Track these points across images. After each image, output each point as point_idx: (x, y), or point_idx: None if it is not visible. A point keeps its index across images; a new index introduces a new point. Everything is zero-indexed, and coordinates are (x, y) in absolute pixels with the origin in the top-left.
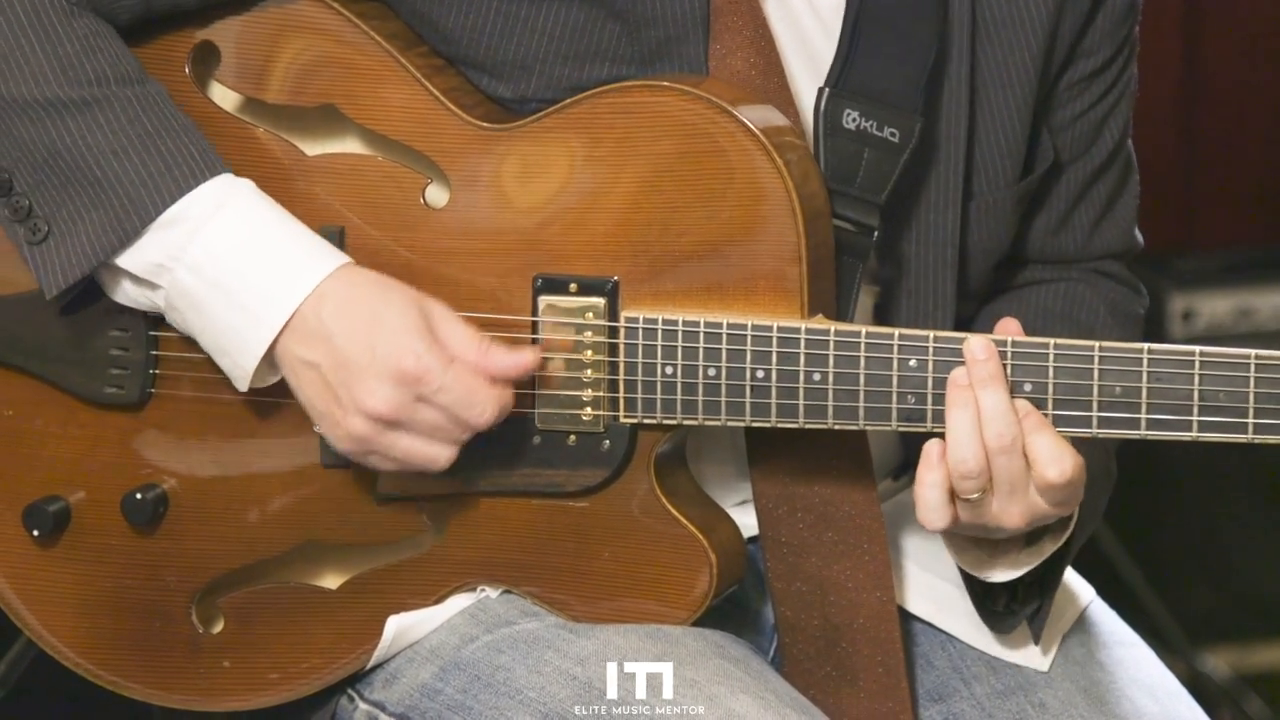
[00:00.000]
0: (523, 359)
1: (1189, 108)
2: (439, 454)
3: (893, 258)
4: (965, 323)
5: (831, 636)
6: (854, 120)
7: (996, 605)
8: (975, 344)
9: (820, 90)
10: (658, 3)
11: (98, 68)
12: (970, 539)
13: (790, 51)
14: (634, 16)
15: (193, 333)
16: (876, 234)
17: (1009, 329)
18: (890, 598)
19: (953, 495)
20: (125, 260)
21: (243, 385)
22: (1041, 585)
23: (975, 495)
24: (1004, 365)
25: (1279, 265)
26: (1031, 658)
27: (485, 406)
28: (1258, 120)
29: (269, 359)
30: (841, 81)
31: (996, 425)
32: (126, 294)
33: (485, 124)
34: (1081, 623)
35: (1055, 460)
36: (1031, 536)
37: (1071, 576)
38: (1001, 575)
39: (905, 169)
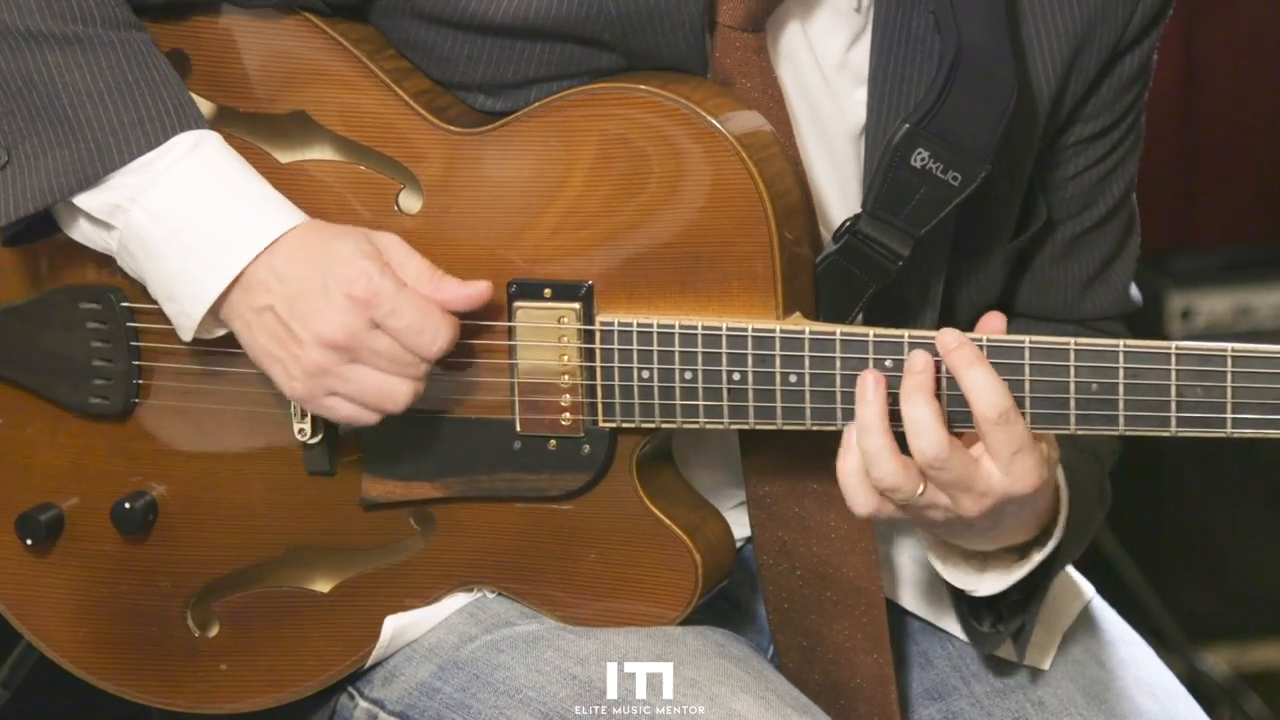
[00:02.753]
0: (473, 289)
1: (1188, 107)
2: (397, 388)
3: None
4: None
5: (831, 693)
6: (922, 160)
7: (982, 625)
8: (914, 356)
9: (900, 124)
10: (651, 43)
11: (85, 6)
12: (961, 553)
13: (798, 105)
14: (628, 53)
15: (143, 277)
16: (901, 263)
17: (990, 325)
18: (887, 660)
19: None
20: (83, 200)
21: (187, 335)
22: (1025, 604)
23: (907, 500)
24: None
25: (1278, 264)
26: (1031, 656)
27: (437, 333)
28: (1256, 119)
29: (215, 311)
30: (925, 122)
31: (920, 445)
32: (82, 232)
33: (456, 128)
34: (1081, 621)
35: (988, 395)
36: (1022, 550)
37: (1071, 575)
38: (990, 588)
39: (953, 211)
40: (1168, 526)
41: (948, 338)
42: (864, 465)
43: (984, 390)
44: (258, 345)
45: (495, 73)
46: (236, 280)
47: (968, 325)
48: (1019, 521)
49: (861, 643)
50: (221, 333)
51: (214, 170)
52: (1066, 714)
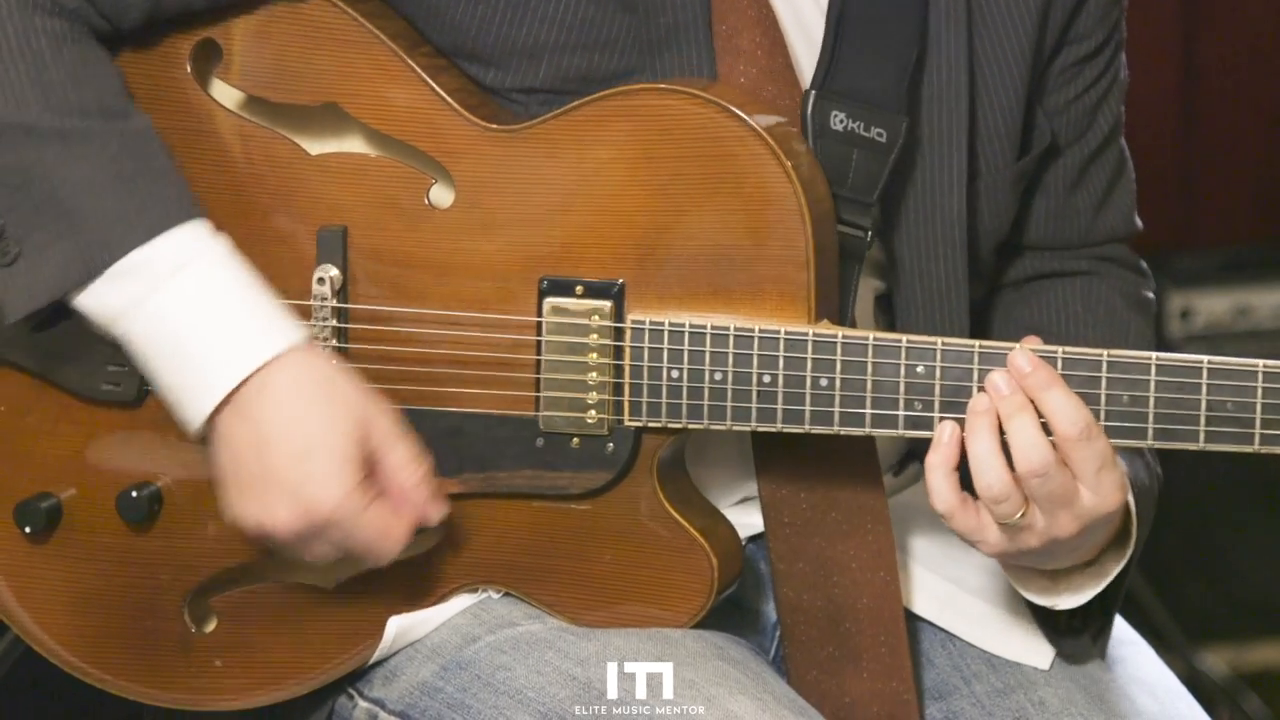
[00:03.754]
0: (433, 513)
1: (1188, 106)
2: (328, 554)
3: (901, 248)
4: (978, 308)
5: (835, 616)
6: (841, 121)
7: (1058, 624)
8: (997, 378)
9: (807, 92)
10: None
11: (82, 99)
12: (1035, 571)
13: (793, 35)
14: (643, 5)
15: (146, 378)
16: (870, 234)
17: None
18: (894, 578)
19: (960, 483)
20: (84, 302)
21: (192, 434)
22: (1103, 603)
23: (1014, 519)
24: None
25: (1277, 264)
26: (1032, 656)
27: (383, 555)
28: (1256, 119)
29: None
30: (827, 83)
31: (1026, 451)
32: (91, 323)
33: (491, 125)
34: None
35: (1069, 413)
36: (1090, 560)
37: None
38: (1069, 601)
39: (895, 167)
40: (1167, 526)
41: (1020, 361)
42: (950, 461)
43: (1064, 409)
44: (218, 462)
45: (507, 34)
46: (225, 401)
47: (988, 261)
48: (1101, 537)
49: (869, 561)
50: None
51: (209, 288)
52: (1067, 713)
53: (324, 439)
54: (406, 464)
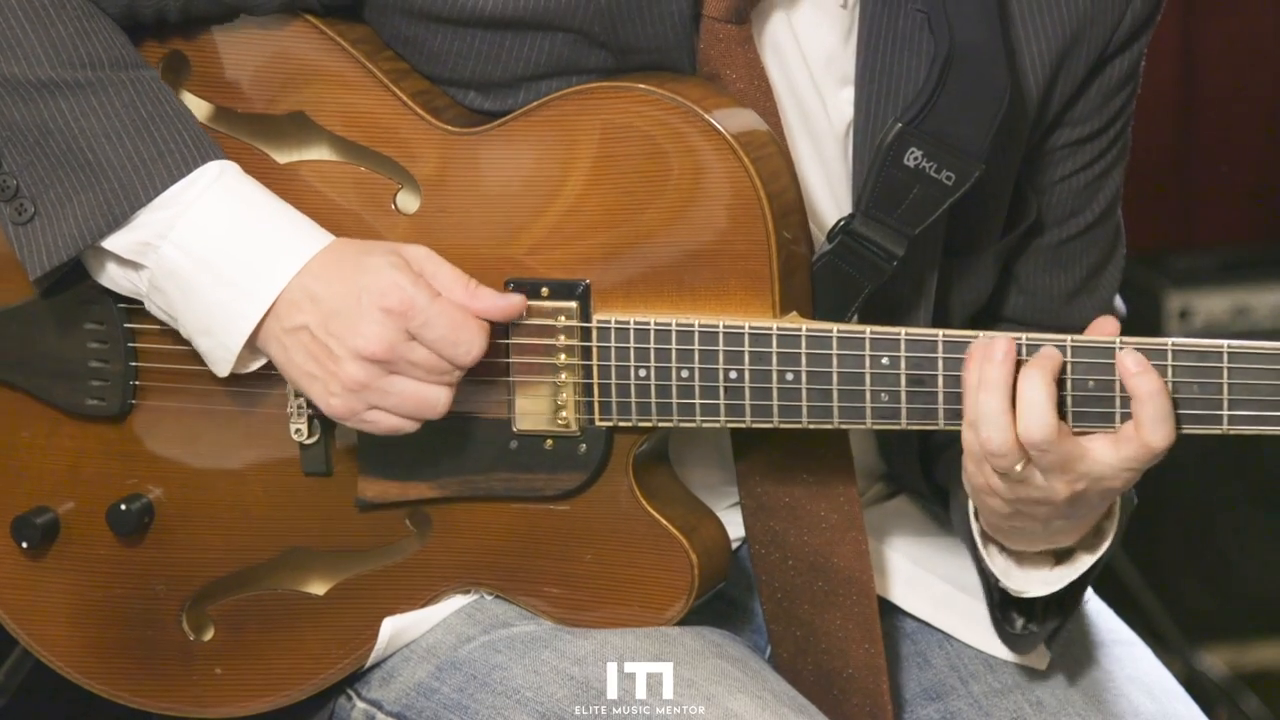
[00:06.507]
0: (510, 301)
1: (1187, 106)
2: (436, 395)
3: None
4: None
5: (824, 683)
6: (915, 159)
7: (1013, 627)
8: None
9: (892, 123)
10: (640, 33)
11: (92, 50)
12: (997, 546)
13: (785, 101)
14: (617, 45)
15: (175, 314)
16: (896, 264)
17: (1106, 329)
18: (879, 651)
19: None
20: (111, 242)
21: (224, 369)
22: (1061, 605)
23: (1016, 469)
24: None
25: (1276, 263)
26: (1029, 657)
27: (471, 343)
28: (1255, 119)
29: (251, 341)
30: (917, 121)
31: (1030, 419)
32: (110, 276)
33: (454, 128)
34: (1079, 621)
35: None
36: (1061, 555)
37: None
38: (1021, 582)
39: (946, 210)
40: (1166, 526)
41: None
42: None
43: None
44: (294, 366)
45: (484, 70)
46: (271, 307)
47: (960, 325)
48: (1084, 518)
49: (854, 633)
50: (257, 365)
51: (239, 198)
52: (1065, 714)
53: (369, 261)
54: (458, 277)
